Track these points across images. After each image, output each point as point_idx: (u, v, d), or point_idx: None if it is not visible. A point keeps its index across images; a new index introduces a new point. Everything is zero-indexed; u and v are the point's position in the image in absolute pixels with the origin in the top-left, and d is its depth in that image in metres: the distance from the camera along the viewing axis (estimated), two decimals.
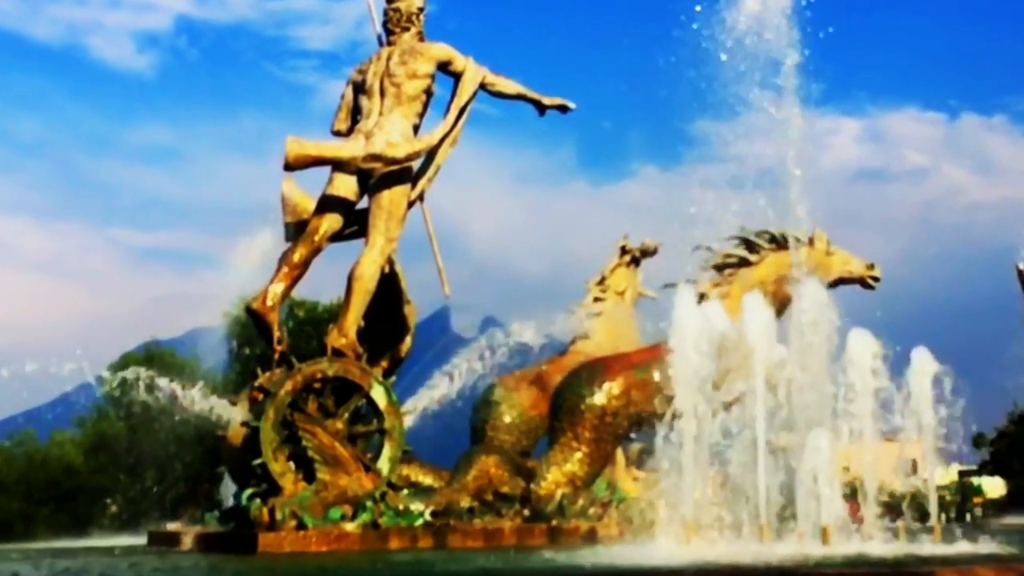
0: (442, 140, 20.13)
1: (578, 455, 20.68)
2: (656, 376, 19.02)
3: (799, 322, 17.24)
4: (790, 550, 14.24)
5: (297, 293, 33.02)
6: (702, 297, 19.74)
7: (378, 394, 18.86)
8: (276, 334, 19.19)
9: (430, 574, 13.81)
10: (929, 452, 16.95)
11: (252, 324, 20.34)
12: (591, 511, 20.30)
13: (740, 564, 12.61)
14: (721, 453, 15.89)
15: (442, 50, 20.43)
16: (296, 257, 19.57)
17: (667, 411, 16.02)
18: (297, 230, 19.98)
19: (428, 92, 20.26)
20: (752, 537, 15.09)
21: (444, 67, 20.40)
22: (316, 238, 19.60)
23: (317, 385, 18.57)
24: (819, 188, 20.18)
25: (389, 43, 20.74)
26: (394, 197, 19.62)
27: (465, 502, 20.35)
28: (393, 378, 20.12)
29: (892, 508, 16.50)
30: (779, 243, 21.54)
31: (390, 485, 18.60)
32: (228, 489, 25.41)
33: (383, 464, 18.67)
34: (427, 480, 22.63)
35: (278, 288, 19.44)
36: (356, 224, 20.02)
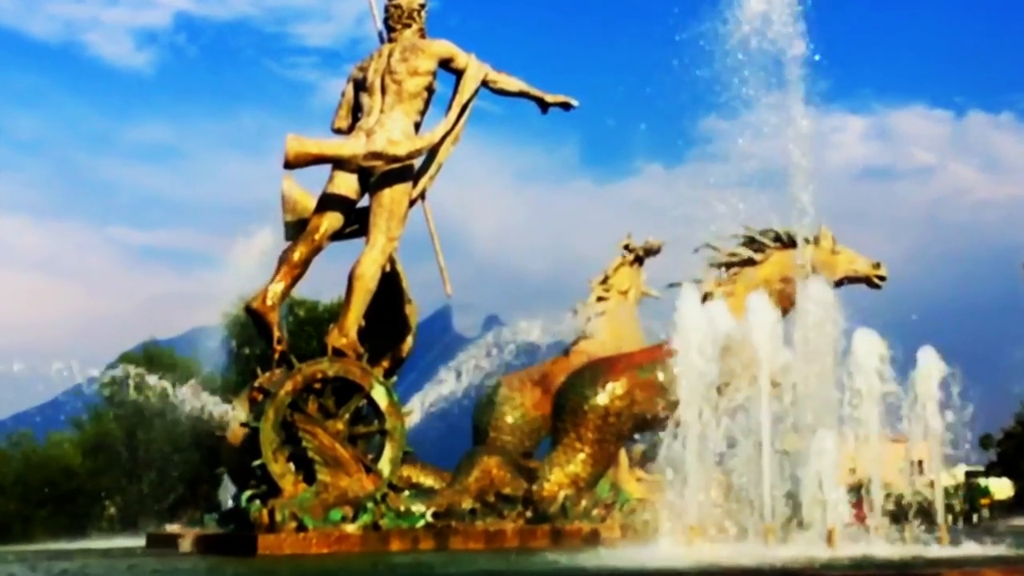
0: (444, 138, 20.11)
1: (581, 456, 20.67)
2: (660, 376, 19.01)
3: (804, 323, 17.24)
4: (795, 552, 14.25)
5: (297, 292, 33.06)
6: (706, 296, 19.74)
7: (379, 394, 18.85)
8: (276, 334, 19.17)
9: None
10: (935, 454, 16.95)
11: (252, 324, 20.32)
12: (594, 513, 20.29)
13: (745, 566, 12.61)
14: (726, 456, 15.88)
15: (444, 47, 20.41)
16: (296, 256, 19.55)
17: (671, 414, 16.02)
18: (297, 229, 19.96)
19: (430, 89, 20.24)
20: (757, 539, 15.09)
21: (446, 64, 20.38)
22: (316, 237, 19.58)
23: (317, 385, 18.55)
24: (825, 186, 20.22)
25: (390, 40, 20.72)
26: (395, 195, 19.60)
27: (467, 503, 20.34)
28: (394, 378, 20.11)
29: (898, 517, 16.50)
30: (784, 242, 21.51)
31: (391, 486, 18.59)
32: (227, 490, 25.47)
33: (384, 465, 18.66)
34: (428, 481, 22.62)
35: (278, 287, 19.42)
36: (357, 223, 20.00)
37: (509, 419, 24.51)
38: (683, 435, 15.51)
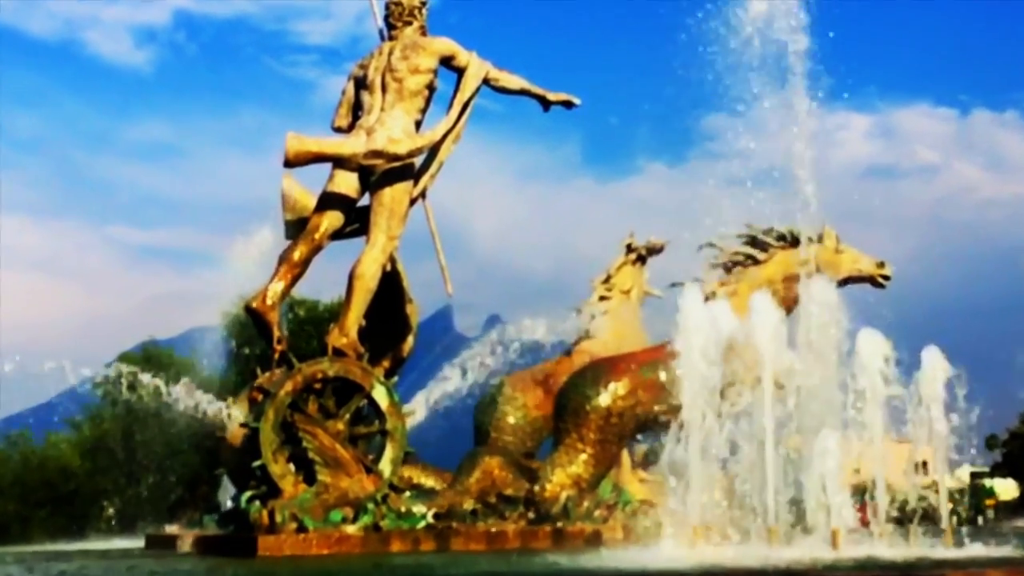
0: (445, 136, 20.11)
1: (583, 457, 20.66)
2: (663, 376, 19.01)
3: (807, 323, 17.23)
4: (799, 554, 14.25)
5: (297, 292, 33.11)
6: (709, 296, 19.72)
7: (380, 395, 18.85)
8: (276, 333, 19.17)
9: None
10: (940, 456, 16.93)
11: (251, 323, 20.32)
12: (596, 513, 20.29)
13: (750, 568, 12.62)
14: (729, 461, 15.86)
15: (445, 45, 20.41)
16: (296, 255, 19.55)
17: (673, 418, 16.02)
18: (297, 228, 19.97)
19: (430, 87, 20.23)
20: (760, 542, 15.08)
21: (447, 62, 20.37)
22: (317, 236, 19.58)
23: (318, 385, 18.56)
24: (828, 185, 20.19)
25: (391, 38, 20.72)
26: (396, 194, 19.60)
27: (468, 504, 20.33)
28: (395, 378, 20.12)
29: (902, 520, 16.48)
30: (788, 241, 21.52)
31: (392, 487, 18.59)
32: (227, 491, 25.48)
33: (385, 466, 18.66)
34: (429, 482, 22.62)
35: (278, 287, 19.41)
36: (357, 222, 20.00)
37: (511, 419, 24.52)
38: (686, 438, 15.51)
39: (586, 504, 20.38)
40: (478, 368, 23.75)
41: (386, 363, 20.25)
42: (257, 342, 28.80)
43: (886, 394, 16.39)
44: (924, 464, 17.75)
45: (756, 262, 21.61)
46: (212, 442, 21.53)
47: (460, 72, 20.40)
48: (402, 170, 19.64)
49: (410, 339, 20.90)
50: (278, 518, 17.29)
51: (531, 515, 20.33)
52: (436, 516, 18.96)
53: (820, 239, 21.79)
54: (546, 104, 20.98)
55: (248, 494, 18.23)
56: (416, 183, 20.04)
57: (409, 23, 20.68)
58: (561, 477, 20.57)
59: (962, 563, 13.32)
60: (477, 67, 20.38)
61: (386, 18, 20.99)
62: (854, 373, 16.47)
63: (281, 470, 17.93)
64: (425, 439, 22.95)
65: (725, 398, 16.08)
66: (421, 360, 24.03)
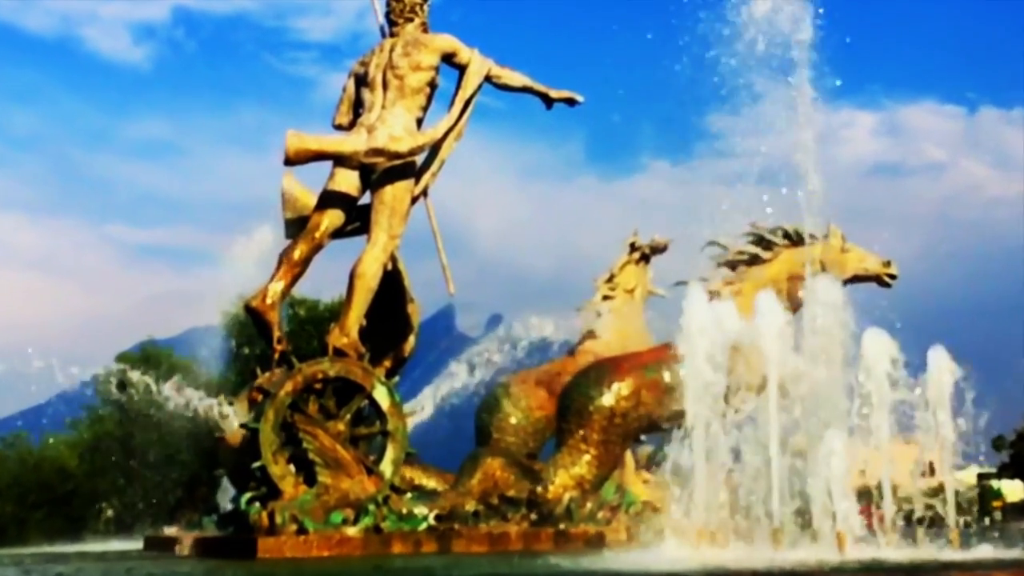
0: (446, 134, 20.11)
1: (586, 457, 20.67)
2: (667, 376, 19.02)
3: (812, 323, 17.20)
4: (805, 556, 14.25)
5: (298, 291, 33.12)
6: (713, 295, 19.71)
7: (381, 395, 18.85)
8: (276, 333, 19.16)
9: None
10: (947, 461, 16.91)
11: (251, 323, 20.34)
12: (599, 515, 20.31)
13: (754, 570, 12.62)
14: (735, 457, 15.84)
15: (446, 41, 20.40)
16: (296, 254, 19.55)
17: (676, 425, 16.02)
18: (298, 226, 19.96)
19: (432, 85, 20.23)
20: (766, 543, 15.07)
21: (448, 59, 20.37)
22: (317, 235, 19.58)
23: (318, 386, 18.56)
24: (834, 183, 20.19)
25: (392, 34, 20.73)
26: (397, 193, 19.61)
27: (470, 506, 20.34)
28: (396, 378, 20.13)
29: (908, 522, 16.46)
30: (793, 239, 21.52)
31: (393, 488, 18.59)
32: (226, 493, 25.47)
33: (386, 467, 18.67)
34: (431, 483, 22.64)
35: (278, 286, 19.41)
36: (358, 220, 20.00)
37: (513, 420, 24.51)
38: (690, 445, 15.49)
39: (589, 506, 20.39)
40: (485, 365, 23.75)
41: (387, 363, 20.23)
42: (257, 342, 28.86)
43: (893, 399, 16.37)
44: (931, 466, 17.74)
45: (761, 261, 21.61)
46: (211, 443, 21.50)
47: (462, 69, 20.40)
48: (403, 168, 19.65)
49: (411, 339, 20.88)
50: (278, 520, 17.29)
51: (533, 517, 20.34)
52: (438, 518, 18.97)
53: (826, 238, 21.79)
54: (549, 102, 20.97)
55: (248, 495, 18.23)
56: (417, 181, 20.04)
57: (410, 20, 20.69)
58: (564, 478, 20.57)
59: (969, 565, 13.32)
60: (479, 64, 20.38)
61: (387, 15, 21.00)
62: (860, 377, 16.45)
63: (281, 471, 17.93)
64: (429, 439, 22.98)
65: (729, 404, 16.07)
66: (422, 360, 24.04)
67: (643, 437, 23.52)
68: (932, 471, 17.58)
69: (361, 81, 20.33)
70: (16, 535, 51.37)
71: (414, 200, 20.05)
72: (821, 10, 19.68)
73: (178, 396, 19.71)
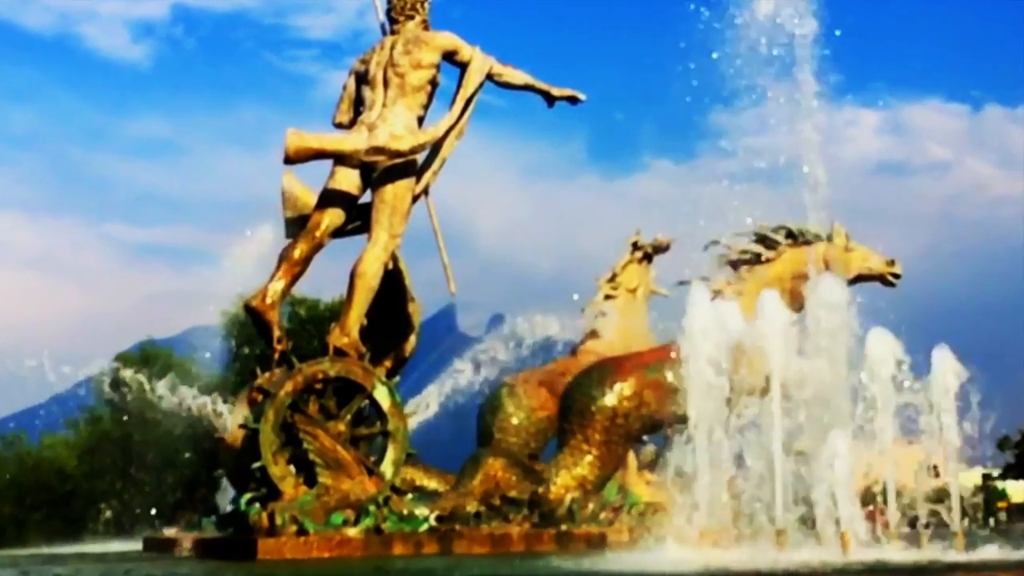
0: (448, 132, 20.09)
1: (588, 458, 20.67)
2: (669, 376, 19.01)
3: (816, 324, 17.17)
4: (809, 557, 14.24)
5: (298, 291, 33.10)
6: (716, 294, 19.71)
7: (381, 395, 18.84)
8: (276, 333, 19.13)
9: None
10: (952, 465, 16.88)
11: (251, 323, 20.32)
12: (602, 516, 20.31)
13: (758, 570, 12.61)
14: (737, 471, 15.82)
15: (447, 39, 20.38)
16: (297, 253, 19.53)
17: (682, 420, 16.00)
18: (298, 225, 19.95)
19: (433, 83, 20.21)
20: (770, 544, 15.06)
21: (450, 57, 20.35)
22: (317, 234, 19.56)
23: (318, 386, 18.55)
24: (838, 181, 20.20)
25: (393, 32, 20.71)
26: (398, 191, 19.59)
27: (471, 507, 20.35)
28: (397, 378, 20.10)
29: (913, 523, 16.45)
30: (797, 239, 21.52)
31: (394, 489, 18.58)
32: (226, 493, 25.51)
33: (387, 467, 18.65)
34: (432, 484, 22.65)
35: (278, 285, 19.39)
36: (359, 219, 19.98)
37: (514, 420, 24.50)
38: (692, 446, 15.48)
39: (591, 506, 20.39)
40: (491, 363, 23.76)
41: (388, 363, 20.21)
42: (257, 342, 28.85)
43: (898, 403, 16.35)
44: (935, 468, 17.72)
45: (764, 260, 21.61)
46: (211, 443, 21.52)
47: (463, 67, 20.37)
48: (404, 167, 19.63)
49: (412, 338, 20.86)
50: (278, 520, 17.28)
51: (535, 518, 20.35)
52: (439, 519, 18.96)
53: (829, 237, 21.79)
54: (551, 100, 20.95)
55: (248, 496, 18.22)
56: (419, 180, 20.02)
57: (411, 17, 20.67)
58: (566, 479, 20.58)
59: (974, 566, 13.32)
60: (480, 62, 20.35)
61: (388, 12, 20.97)
62: (864, 379, 16.42)
63: (281, 472, 17.92)
64: (432, 439, 22.98)
65: (732, 408, 16.05)
66: (424, 360, 24.05)
67: (645, 437, 23.52)
68: (936, 473, 17.57)
69: (362, 79, 20.31)
70: (15, 536, 51.44)
71: (415, 199, 20.03)
72: (824, 7, 19.70)
73: (171, 395, 19.69)
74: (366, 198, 19.90)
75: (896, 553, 14.99)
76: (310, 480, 18.09)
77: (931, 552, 15.33)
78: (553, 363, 25.77)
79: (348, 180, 19.70)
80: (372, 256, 19.31)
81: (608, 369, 21.48)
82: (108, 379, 20.25)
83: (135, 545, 26.34)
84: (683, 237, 27.00)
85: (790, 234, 21.54)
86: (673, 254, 27.50)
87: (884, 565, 13.55)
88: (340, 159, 19.45)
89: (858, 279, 21.98)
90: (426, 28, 20.69)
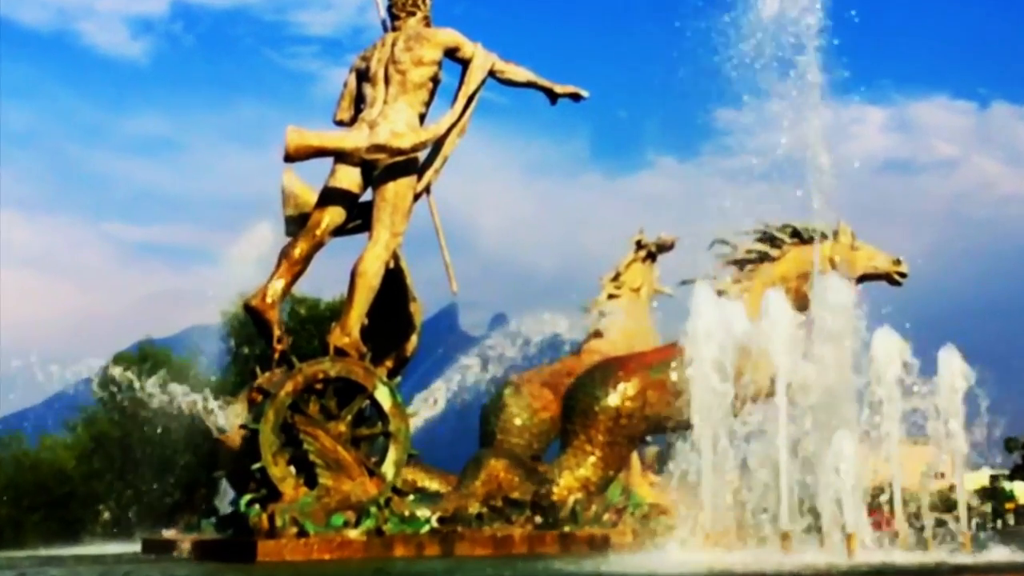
0: (449, 130, 20.08)
1: (591, 459, 20.68)
2: (673, 377, 19.00)
3: (821, 325, 17.15)
4: (814, 559, 14.24)
5: (298, 290, 33.14)
6: (721, 294, 19.70)
7: (383, 395, 18.82)
8: (276, 333, 19.13)
9: None
10: (959, 466, 16.87)
11: (251, 322, 20.32)
12: (605, 518, 20.31)
13: (763, 572, 12.62)
14: (742, 478, 15.80)
15: (449, 36, 20.38)
16: (297, 252, 19.53)
17: (685, 425, 15.99)
18: (298, 224, 19.95)
19: (435, 80, 20.21)
20: (775, 546, 15.06)
21: (451, 54, 20.34)
22: (318, 232, 19.56)
23: (319, 386, 18.53)
24: (844, 179, 20.17)
25: (394, 28, 20.70)
26: (399, 190, 19.59)
27: (474, 508, 20.34)
28: (398, 378, 20.07)
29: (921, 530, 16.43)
30: (802, 237, 21.51)
31: (395, 490, 18.57)
32: (226, 495, 25.50)
33: (388, 468, 18.63)
34: (434, 485, 22.63)
35: (278, 285, 19.39)
36: (360, 218, 19.98)
37: (517, 421, 24.44)
38: (697, 454, 15.47)
39: (595, 508, 20.40)
40: (498, 360, 23.76)
41: (389, 363, 20.21)
42: (257, 341, 28.88)
43: (904, 408, 16.33)
44: (942, 474, 17.71)
45: (769, 259, 21.61)
46: (210, 444, 21.51)
47: (465, 64, 20.37)
48: (406, 165, 19.63)
49: (414, 338, 20.87)
50: (278, 522, 17.27)
51: (538, 519, 20.34)
52: (440, 520, 18.97)
53: (835, 235, 21.78)
54: (553, 97, 20.94)
55: (247, 497, 18.21)
56: (420, 178, 20.02)
57: (413, 13, 20.66)
58: (569, 480, 20.58)
59: (981, 568, 13.32)
60: (482, 59, 20.35)
61: (389, 8, 20.96)
62: (870, 382, 16.40)
63: (281, 473, 17.91)
64: (435, 440, 22.96)
65: (738, 413, 16.03)
66: (425, 359, 24.03)
67: (649, 438, 23.52)
68: (943, 474, 17.56)
69: (362, 76, 20.31)
70: (12, 538, 51.41)
71: (417, 197, 20.02)
72: (830, 5, 19.69)
73: (161, 392, 19.67)
74: (367, 196, 19.90)
75: (902, 555, 14.99)
76: (310, 481, 18.07)
77: (938, 554, 15.33)
78: (557, 363, 25.74)
79: (349, 178, 19.69)
80: (373, 255, 19.31)
81: (611, 369, 21.48)
82: (98, 378, 20.21)
83: (134, 547, 26.35)
84: (687, 235, 27.03)
85: (795, 233, 21.55)
86: (677, 253, 27.50)
87: (890, 567, 13.55)
88: (341, 157, 19.44)
89: (864, 278, 21.99)
90: (428, 24, 20.69)
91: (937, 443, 16.55)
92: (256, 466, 17.87)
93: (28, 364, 19.65)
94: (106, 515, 57.39)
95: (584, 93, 21.01)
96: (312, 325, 48.39)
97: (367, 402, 18.92)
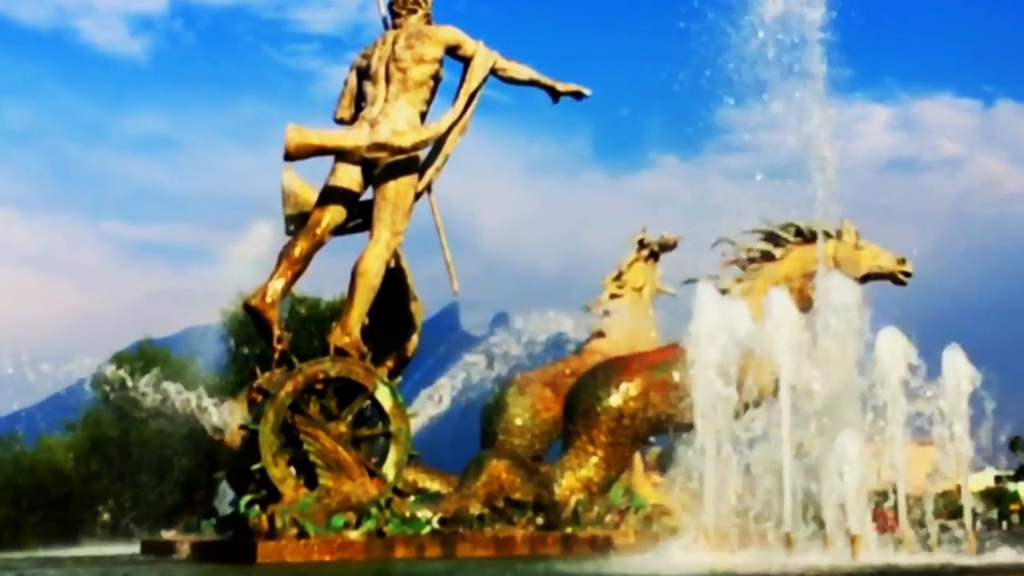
0: (451, 128, 20.09)
1: (593, 460, 20.67)
2: (676, 377, 18.99)
3: (824, 325, 17.13)
4: (818, 560, 14.23)
5: (298, 289, 33.08)
6: (724, 293, 19.70)
7: (383, 395, 18.83)
8: (276, 332, 19.15)
9: None
10: (963, 469, 16.84)
11: (251, 322, 20.33)
12: (607, 519, 20.29)
13: (768, 573, 12.61)
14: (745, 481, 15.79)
15: (451, 34, 20.38)
16: (297, 251, 19.54)
17: (688, 427, 15.98)
18: (298, 223, 19.96)
19: (436, 78, 20.21)
20: (779, 547, 15.05)
21: (453, 51, 20.35)
22: (318, 231, 19.57)
23: (319, 386, 18.55)
24: (847, 178, 20.16)
25: (395, 26, 20.70)
26: (400, 188, 19.59)
27: (475, 509, 20.31)
28: (399, 378, 20.09)
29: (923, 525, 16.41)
30: (805, 236, 21.50)
31: (396, 491, 18.58)
32: (225, 495, 25.49)
33: (388, 469, 18.64)
34: (435, 486, 22.59)
35: (278, 284, 19.40)
36: (360, 217, 19.99)
37: (519, 421, 24.40)
38: (700, 458, 15.47)
39: (597, 509, 20.38)
40: (503, 358, 23.74)
41: (390, 363, 20.23)
42: (257, 341, 28.84)
43: (908, 412, 16.31)
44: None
45: (772, 258, 21.60)
46: (210, 445, 21.47)
47: (466, 62, 20.38)
48: (406, 163, 19.63)
49: (415, 338, 20.88)
50: (278, 523, 17.28)
51: (540, 520, 20.32)
52: (441, 521, 18.96)
53: (839, 234, 21.77)
54: (555, 95, 20.95)
55: (247, 498, 18.22)
56: (421, 177, 20.02)
57: (414, 11, 20.66)
58: (571, 481, 20.58)
59: (986, 569, 13.31)
60: (484, 57, 20.35)
61: (390, 6, 20.96)
62: (874, 384, 16.37)
63: (281, 473, 17.92)
64: (436, 441, 22.93)
65: (739, 417, 16.02)
66: (426, 359, 24.03)
67: (651, 438, 23.50)
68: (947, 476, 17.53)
69: (363, 74, 20.31)
70: (11, 539, 51.34)
71: (417, 196, 20.03)
72: (834, 3, 19.69)
73: (154, 391, 19.64)
74: (368, 195, 19.91)
75: (906, 556, 14.98)
76: (311, 482, 18.08)
77: (942, 555, 15.31)
78: (558, 363, 25.71)
79: (349, 177, 19.70)
80: (374, 254, 19.31)
81: (614, 369, 21.48)
82: (90, 377, 20.17)
83: (133, 548, 26.33)
84: (690, 235, 27.00)
85: (799, 232, 21.54)
86: (680, 252, 27.46)
87: (894, 569, 13.54)
88: (341, 155, 19.45)
89: (868, 277, 21.97)
90: (429, 22, 20.70)
91: (942, 446, 16.51)
92: (256, 467, 17.88)
93: (19, 364, 19.59)
94: (105, 516, 57.33)
95: (586, 91, 21.03)
96: (312, 325, 48.33)
97: (368, 402, 18.93)
